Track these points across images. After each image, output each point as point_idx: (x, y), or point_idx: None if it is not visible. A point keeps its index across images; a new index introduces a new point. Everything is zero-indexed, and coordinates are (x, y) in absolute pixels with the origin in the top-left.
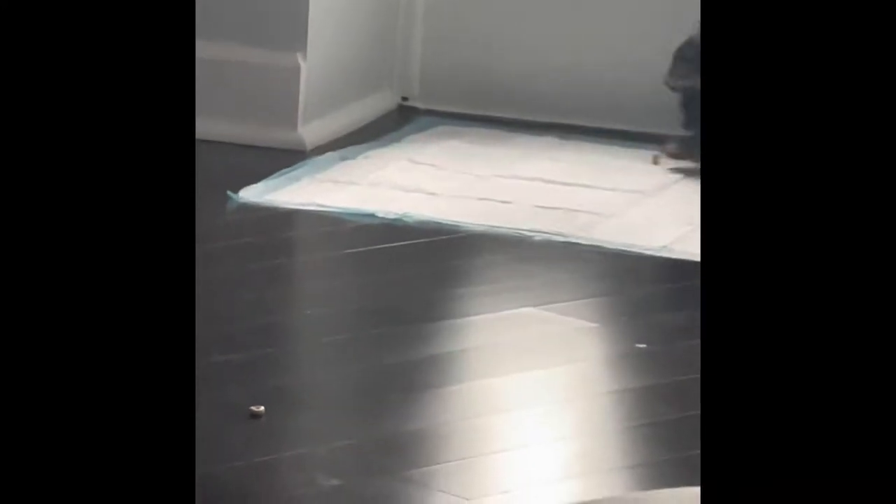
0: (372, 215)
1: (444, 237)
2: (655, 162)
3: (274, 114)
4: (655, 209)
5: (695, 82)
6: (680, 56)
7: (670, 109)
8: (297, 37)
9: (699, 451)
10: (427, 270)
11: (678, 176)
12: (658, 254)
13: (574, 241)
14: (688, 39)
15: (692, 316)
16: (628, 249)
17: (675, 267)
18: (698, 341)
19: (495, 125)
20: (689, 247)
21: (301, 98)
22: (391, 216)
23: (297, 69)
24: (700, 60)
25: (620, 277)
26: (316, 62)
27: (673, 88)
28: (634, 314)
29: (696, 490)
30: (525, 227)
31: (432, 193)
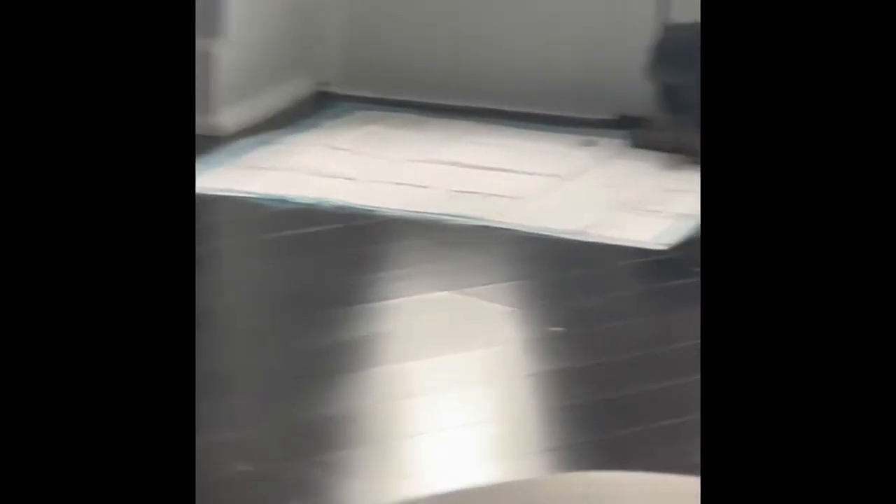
0: (289, 201)
1: (361, 222)
2: (589, 144)
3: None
4: (573, 193)
5: (681, 78)
6: (660, 54)
7: (593, 92)
8: (212, 21)
9: (615, 434)
10: (344, 255)
11: (597, 159)
12: (575, 237)
13: (491, 225)
14: (663, 36)
15: (608, 299)
16: (545, 233)
17: (591, 250)
18: (613, 324)
19: (413, 110)
20: (605, 230)
21: (217, 83)
22: (308, 201)
23: (213, 54)
24: (681, 54)
25: (537, 261)
26: (232, 47)
27: (659, 84)
28: (551, 298)
29: (611, 474)
30: (442, 212)
31: (350, 178)
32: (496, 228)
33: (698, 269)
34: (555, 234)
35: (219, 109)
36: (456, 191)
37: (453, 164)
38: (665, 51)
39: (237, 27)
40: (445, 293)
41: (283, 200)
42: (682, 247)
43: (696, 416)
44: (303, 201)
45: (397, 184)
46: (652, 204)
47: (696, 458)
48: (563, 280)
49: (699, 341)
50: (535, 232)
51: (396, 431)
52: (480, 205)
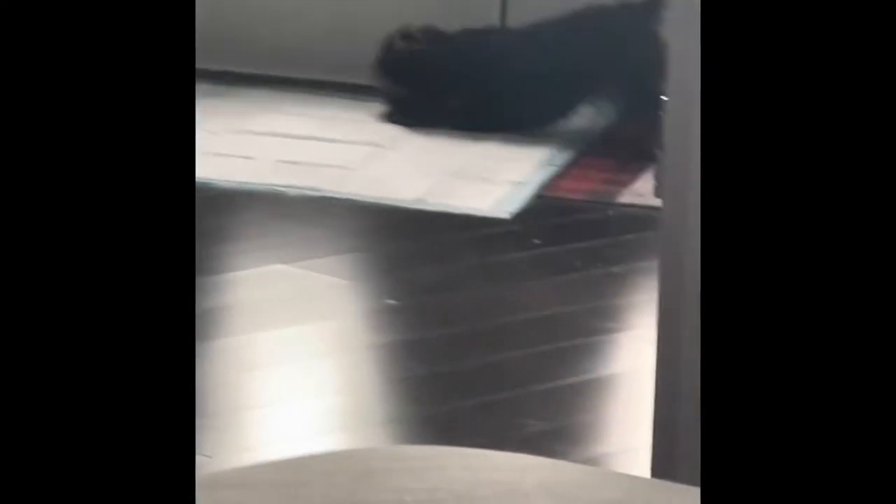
0: None
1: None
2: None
3: None
4: (399, 162)
5: (400, 93)
6: (384, 67)
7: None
8: None
9: (445, 407)
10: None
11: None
12: (412, 206)
13: (328, 195)
14: (386, 48)
15: (444, 271)
16: (383, 202)
17: (428, 220)
18: (448, 296)
19: (220, 80)
20: (441, 198)
21: None
22: None
23: None
24: (404, 70)
25: (373, 232)
26: None
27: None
28: (386, 270)
29: (390, 448)
30: (272, 183)
31: None
32: (333, 198)
33: (539, 241)
34: (392, 203)
35: None
36: (282, 161)
37: (267, 133)
38: (387, 64)
39: None
40: (281, 266)
41: None
42: (523, 215)
43: (529, 388)
44: None
45: (220, 155)
46: (483, 172)
47: (529, 430)
48: (399, 251)
49: (539, 314)
50: (373, 201)
51: (236, 403)
52: (311, 174)
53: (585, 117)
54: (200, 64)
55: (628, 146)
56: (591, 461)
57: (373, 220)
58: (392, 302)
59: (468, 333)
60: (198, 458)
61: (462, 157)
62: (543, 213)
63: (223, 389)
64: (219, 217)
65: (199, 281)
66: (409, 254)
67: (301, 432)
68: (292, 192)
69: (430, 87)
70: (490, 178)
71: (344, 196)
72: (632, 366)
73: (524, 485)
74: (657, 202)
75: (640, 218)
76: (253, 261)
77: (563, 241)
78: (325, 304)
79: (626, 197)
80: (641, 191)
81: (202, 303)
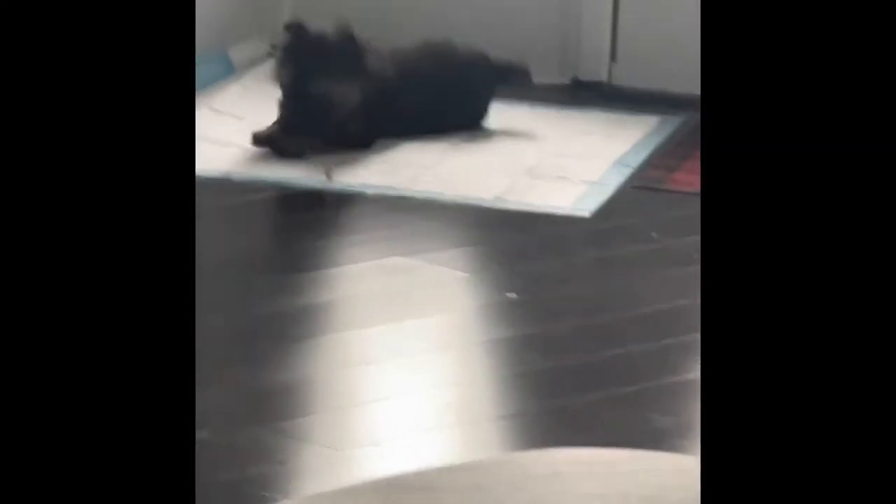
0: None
1: (286, 193)
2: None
3: None
4: (466, 160)
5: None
6: (283, 58)
7: None
8: None
9: (568, 402)
10: (282, 224)
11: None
12: (496, 205)
13: (405, 194)
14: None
15: (560, 264)
16: (467, 201)
17: (519, 217)
18: (567, 289)
19: None
20: (521, 197)
21: None
22: (216, 174)
23: None
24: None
25: (479, 228)
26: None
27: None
28: (504, 263)
29: (570, 451)
30: (355, 183)
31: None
32: (408, 198)
33: (656, 235)
34: (475, 202)
35: None
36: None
37: None
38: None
39: None
40: (399, 258)
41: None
42: (606, 214)
43: (651, 383)
44: (210, 174)
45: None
46: (552, 170)
47: (654, 424)
48: (509, 246)
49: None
50: (457, 200)
51: (351, 398)
52: (388, 174)
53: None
54: None
55: None
56: None
57: (465, 217)
58: (512, 295)
59: (589, 327)
60: (321, 450)
61: (528, 155)
62: (659, 206)
63: (342, 383)
64: (319, 211)
65: (314, 275)
66: (522, 247)
67: (418, 426)
68: (371, 191)
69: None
70: (563, 177)
71: (422, 195)
72: None
73: None
74: None
75: None
76: (370, 254)
77: (681, 234)
78: (443, 297)
79: None
80: None
81: (319, 296)
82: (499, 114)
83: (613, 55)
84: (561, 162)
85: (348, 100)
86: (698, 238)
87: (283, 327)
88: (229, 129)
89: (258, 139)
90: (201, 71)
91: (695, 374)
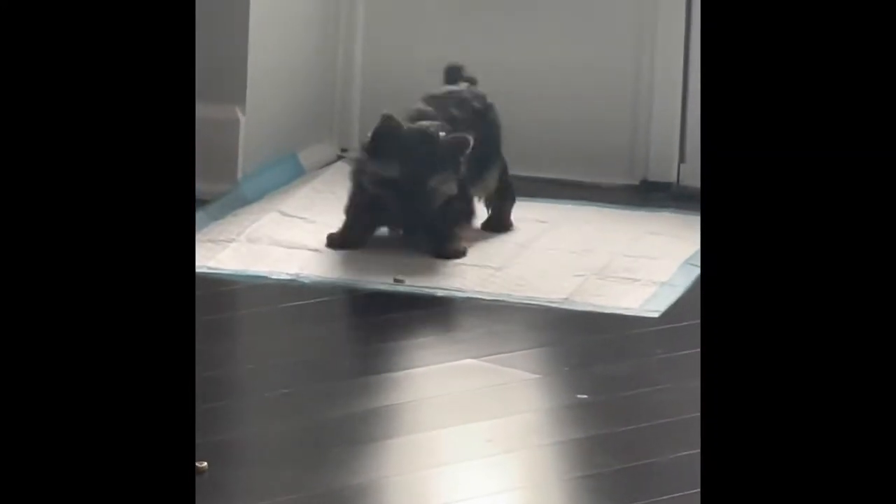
0: (264, 277)
1: (355, 294)
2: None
3: (214, 167)
4: (533, 261)
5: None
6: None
7: None
8: (236, 90)
9: (639, 502)
10: (353, 325)
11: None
12: (564, 306)
13: (471, 296)
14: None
15: (631, 366)
16: (536, 303)
17: (588, 319)
18: (639, 391)
19: None
20: (589, 298)
21: (241, 150)
22: (285, 277)
23: (237, 122)
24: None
25: (550, 329)
26: (255, 115)
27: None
28: (575, 365)
29: None
30: (424, 284)
31: (314, 250)
32: (476, 299)
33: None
34: (543, 303)
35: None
36: None
37: None
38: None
39: (260, 96)
40: (470, 360)
41: (258, 276)
42: (675, 314)
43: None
44: (280, 276)
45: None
46: (622, 271)
47: None
48: (579, 347)
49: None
50: (524, 302)
51: (422, 501)
52: (454, 276)
53: None
54: None
55: None
56: None
57: (533, 318)
58: (583, 396)
59: (659, 427)
60: None
61: (597, 256)
62: None
63: (411, 486)
64: (387, 314)
65: (383, 377)
66: (592, 348)
67: None
68: (440, 293)
69: None
70: (633, 279)
71: (491, 296)
72: None
73: None
74: None
75: None
76: (439, 356)
77: None
78: (512, 398)
79: None
80: None
81: (390, 398)
82: (567, 213)
83: (682, 156)
84: (630, 263)
85: (447, 193)
86: None
87: (353, 430)
88: (298, 231)
89: (333, 241)
90: (272, 174)
91: None
